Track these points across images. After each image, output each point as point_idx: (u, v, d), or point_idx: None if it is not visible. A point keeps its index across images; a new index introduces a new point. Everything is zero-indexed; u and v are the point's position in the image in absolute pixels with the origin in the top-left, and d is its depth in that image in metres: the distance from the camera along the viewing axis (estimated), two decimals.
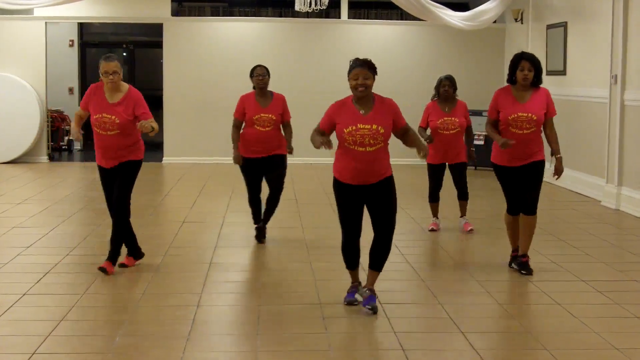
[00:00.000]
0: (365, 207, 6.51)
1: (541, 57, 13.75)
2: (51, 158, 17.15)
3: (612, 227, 10.33)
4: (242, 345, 5.76)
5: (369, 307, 6.46)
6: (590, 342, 5.80)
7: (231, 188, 13.11)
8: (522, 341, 5.88)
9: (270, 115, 8.84)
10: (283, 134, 9.03)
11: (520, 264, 7.83)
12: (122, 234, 7.80)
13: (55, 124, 18.09)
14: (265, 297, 6.94)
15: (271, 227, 9.65)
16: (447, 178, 9.84)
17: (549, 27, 14.39)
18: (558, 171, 7.78)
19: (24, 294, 6.91)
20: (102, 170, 7.74)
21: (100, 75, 7.53)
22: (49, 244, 8.96)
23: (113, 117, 7.48)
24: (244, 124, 8.99)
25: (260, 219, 9.20)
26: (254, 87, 9.00)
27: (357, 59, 6.41)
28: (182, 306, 6.63)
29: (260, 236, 9.13)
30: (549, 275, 7.68)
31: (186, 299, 6.85)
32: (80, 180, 14.56)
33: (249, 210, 9.70)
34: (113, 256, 7.75)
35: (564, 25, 13.71)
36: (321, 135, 6.35)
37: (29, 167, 15.97)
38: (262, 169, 9.02)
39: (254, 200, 9.20)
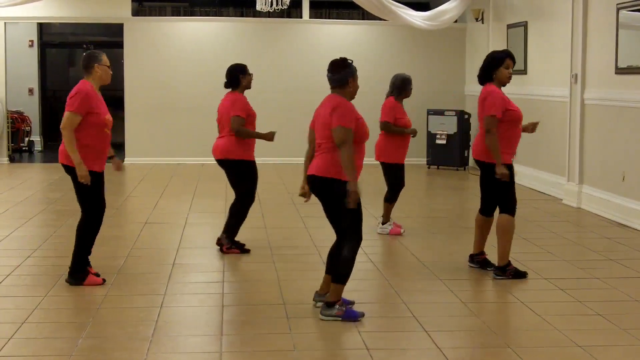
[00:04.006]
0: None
1: None
2: (11, 159, 16.97)
3: (574, 225, 10.42)
4: (206, 346, 5.73)
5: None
6: (553, 340, 5.84)
7: (194, 188, 13.07)
8: (485, 339, 5.91)
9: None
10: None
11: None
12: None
13: (15, 124, 17.90)
14: (229, 297, 6.92)
15: None
16: (408, 177, 9.92)
17: (509, 26, 14.49)
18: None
19: None
20: (97, 175, 7.16)
21: (106, 67, 7.21)
22: (10, 247, 8.86)
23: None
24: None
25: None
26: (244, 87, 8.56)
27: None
28: (145, 307, 6.59)
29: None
30: None
31: (149, 300, 6.81)
32: (41, 182, 14.41)
33: (211, 210, 9.69)
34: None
35: (524, 25, 13.81)
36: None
37: None
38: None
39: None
